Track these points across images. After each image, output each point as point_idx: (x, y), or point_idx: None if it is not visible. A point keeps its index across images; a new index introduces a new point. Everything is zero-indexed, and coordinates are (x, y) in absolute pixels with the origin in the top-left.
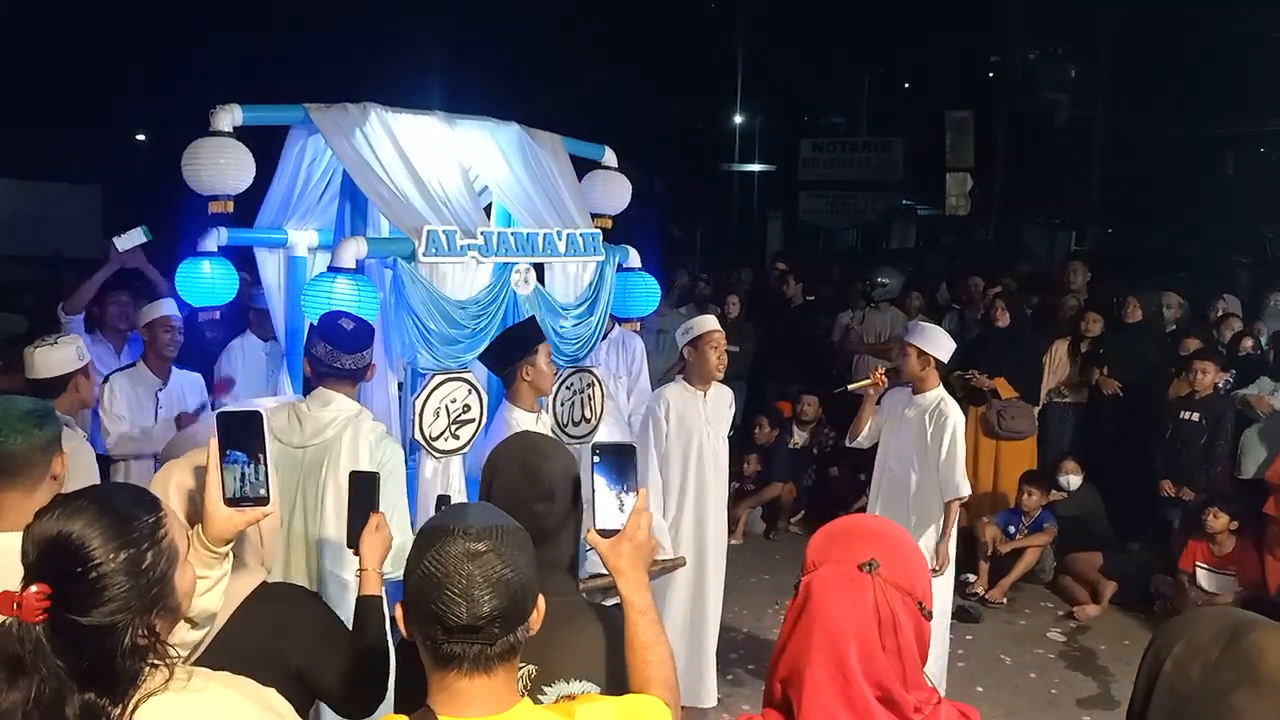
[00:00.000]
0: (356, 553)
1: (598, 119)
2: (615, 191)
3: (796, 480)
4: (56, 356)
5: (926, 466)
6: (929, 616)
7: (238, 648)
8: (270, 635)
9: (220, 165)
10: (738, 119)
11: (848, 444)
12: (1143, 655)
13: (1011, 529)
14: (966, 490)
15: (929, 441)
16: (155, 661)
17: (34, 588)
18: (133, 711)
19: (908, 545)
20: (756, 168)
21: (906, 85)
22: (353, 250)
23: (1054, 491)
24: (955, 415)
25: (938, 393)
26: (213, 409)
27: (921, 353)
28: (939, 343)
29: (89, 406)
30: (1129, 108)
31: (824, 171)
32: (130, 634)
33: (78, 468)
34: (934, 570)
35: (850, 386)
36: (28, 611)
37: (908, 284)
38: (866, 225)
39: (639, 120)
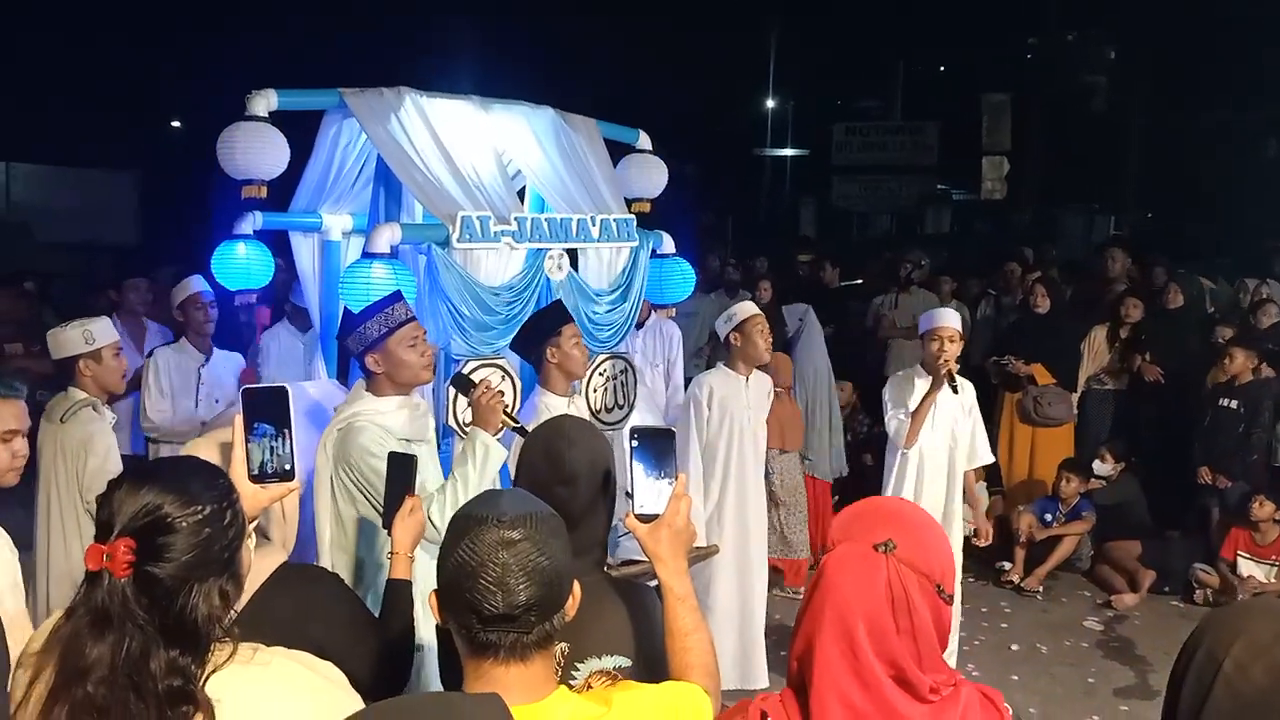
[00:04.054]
0: (390, 534)
1: (628, 103)
2: (651, 175)
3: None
4: (62, 339)
5: (965, 443)
6: (949, 600)
7: (259, 627)
8: (292, 616)
9: (255, 149)
10: (770, 103)
11: (905, 450)
12: (1183, 648)
13: (1048, 517)
14: (990, 457)
15: (966, 417)
16: (222, 636)
17: (121, 542)
18: (204, 683)
19: (929, 527)
20: (789, 152)
21: (941, 68)
22: (387, 236)
23: (1092, 479)
24: (970, 388)
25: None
26: None
27: (963, 334)
28: (958, 319)
29: (110, 390)
30: (1168, 90)
31: (857, 156)
32: (205, 595)
33: (95, 452)
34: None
35: (913, 410)
36: (116, 564)
37: (942, 269)
38: (900, 210)
39: (670, 104)
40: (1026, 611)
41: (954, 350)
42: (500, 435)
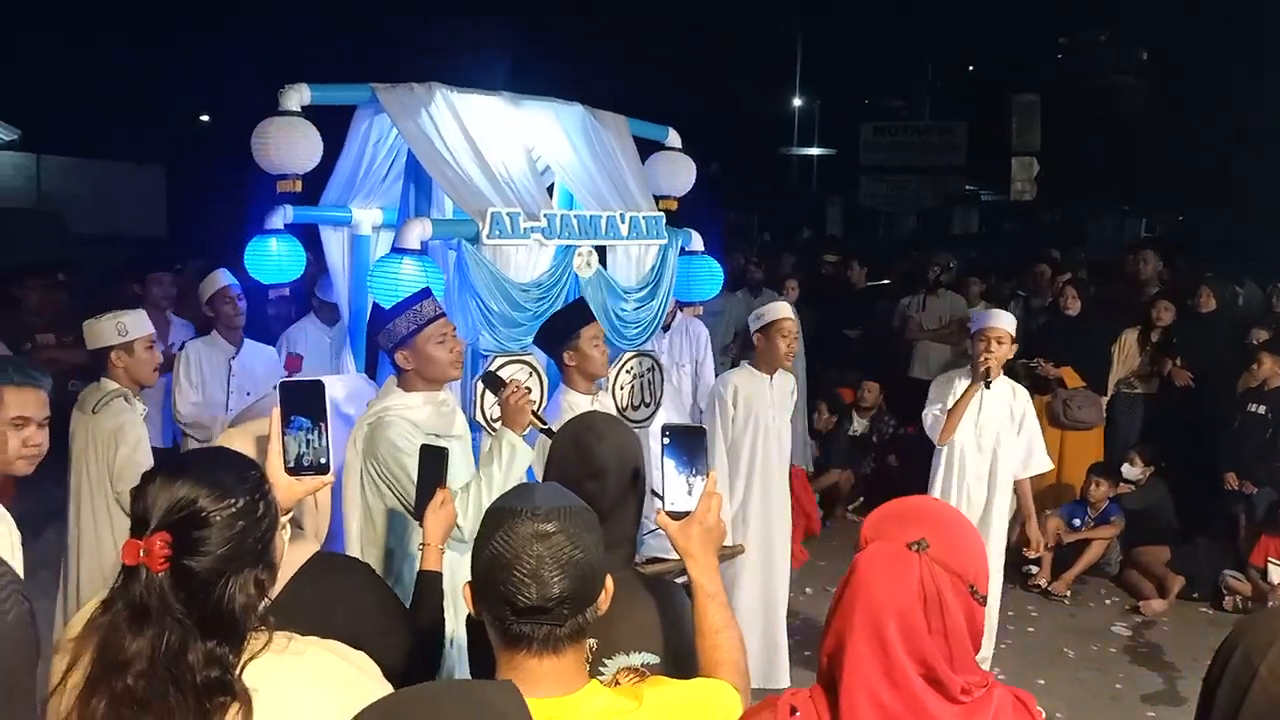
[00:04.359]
0: (422, 525)
1: (654, 100)
2: (679, 173)
3: (854, 468)
4: (96, 330)
5: (1011, 448)
6: (982, 601)
7: (291, 616)
8: (323, 605)
9: (289, 144)
10: (797, 102)
11: (938, 445)
12: (1217, 652)
13: (1076, 521)
14: (1048, 464)
15: (1011, 422)
16: (258, 624)
17: (157, 537)
18: (240, 672)
19: (962, 527)
20: (815, 151)
21: (970, 68)
22: (418, 231)
23: (1121, 484)
24: (1027, 393)
25: (1004, 377)
26: None
27: (1014, 338)
28: (1012, 323)
29: (142, 382)
30: (1200, 90)
31: (885, 155)
32: (241, 586)
33: (125, 442)
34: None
35: (950, 406)
36: (153, 559)
37: (970, 270)
38: (927, 210)
39: (696, 102)
40: (1053, 615)
41: (1002, 352)
42: (526, 435)
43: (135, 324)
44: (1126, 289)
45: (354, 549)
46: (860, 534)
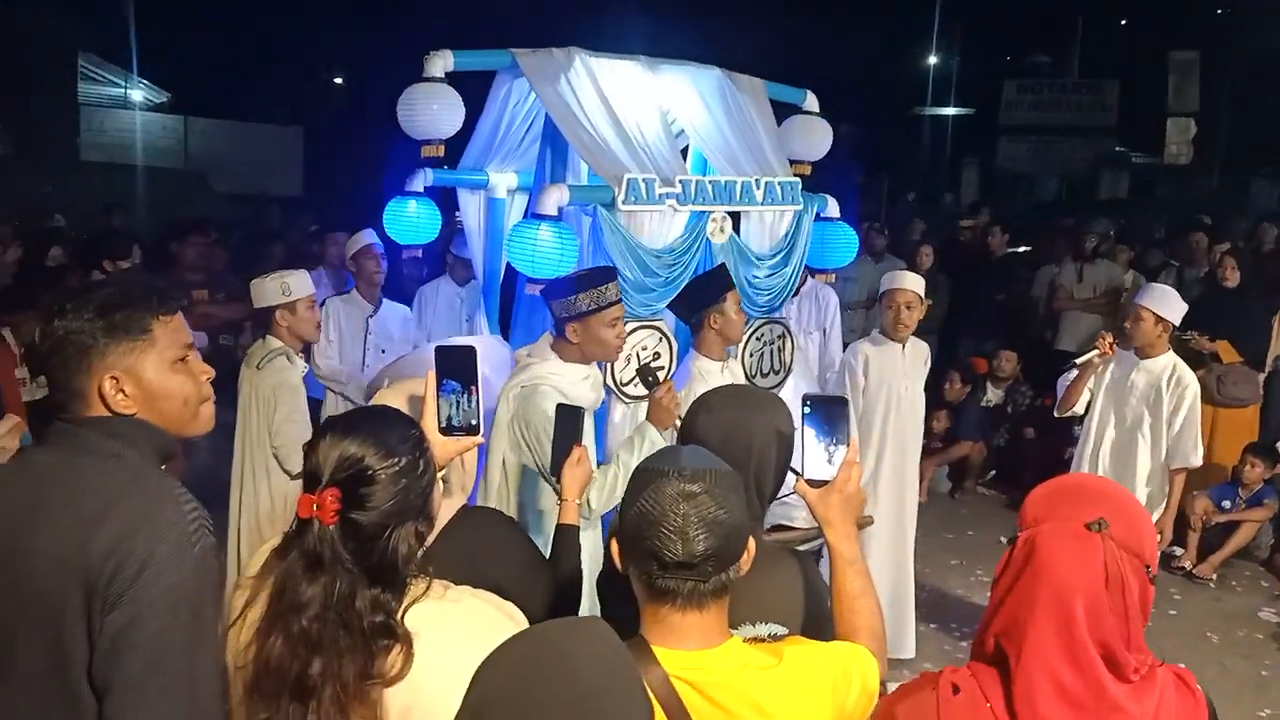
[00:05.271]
0: (558, 481)
1: (781, 60)
2: (814, 137)
3: (986, 439)
4: (261, 290)
5: (1158, 435)
6: (1154, 580)
7: (442, 566)
8: (470, 557)
9: (433, 110)
10: (933, 59)
11: (1057, 415)
12: None
13: (1226, 503)
14: (1198, 460)
15: (1164, 409)
16: (417, 573)
17: (328, 492)
18: (402, 617)
19: (1136, 507)
20: (952, 111)
21: (1123, 22)
22: (555, 198)
23: (1279, 465)
24: (1194, 383)
25: (1169, 358)
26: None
27: (1159, 318)
28: (1174, 306)
29: (305, 339)
30: None
31: (1028, 116)
32: (403, 538)
33: (283, 400)
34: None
35: (1078, 361)
36: (325, 512)
37: (1118, 237)
38: (1073, 174)
39: (825, 61)
40: (1197, 599)
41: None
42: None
43: (299, 284)
44: None
45: (491, 502)
46: (1023, 513)
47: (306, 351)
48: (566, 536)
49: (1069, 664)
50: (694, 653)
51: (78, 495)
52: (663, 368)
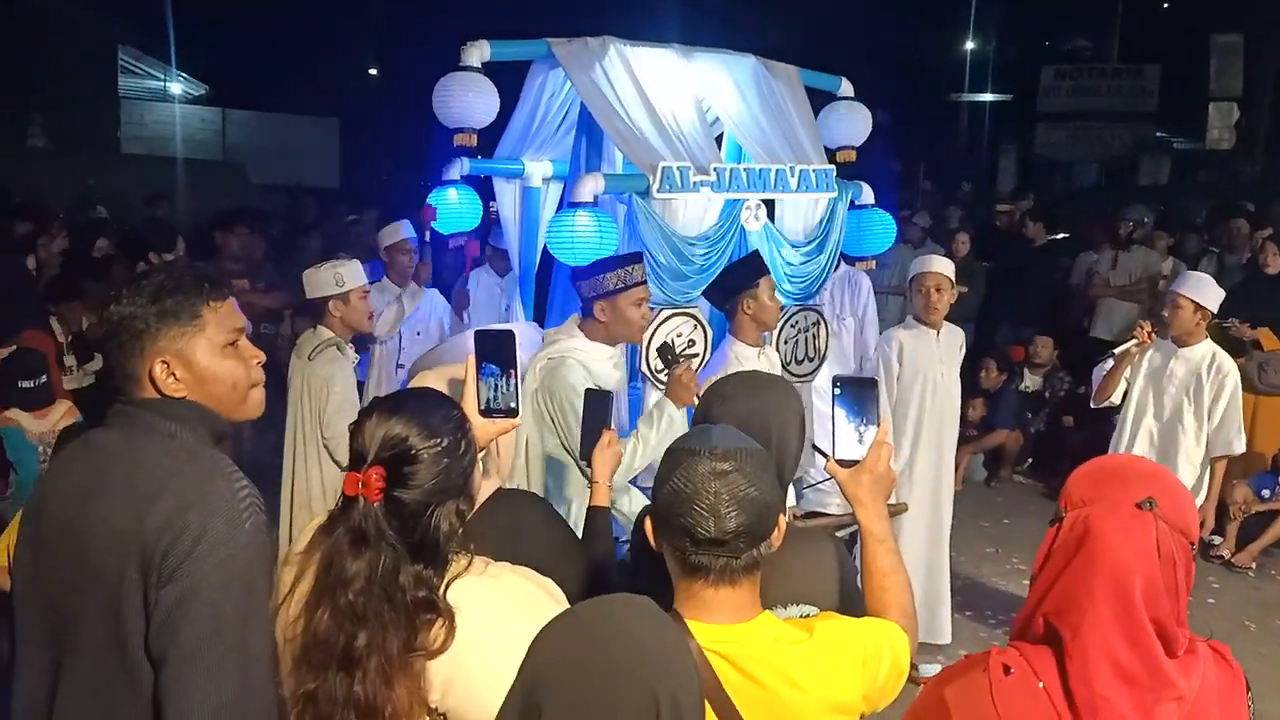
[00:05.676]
0: (589, 465)
1: (816, 47)
2: (854, 122)
3: (1022, 427)
4: (315, 280)
5: (1199, 422)
6: (1196, 555)
7: (479, 544)
8: (508, 536)
9: (468, 100)
10: (969, 44)
11: (1093, 406)
12: None
13: (1266, 492)
14: (1241, 446)
15: (1205, 398)
16: (458, 550)
17: (373, 470)
18: (444, 590)
19: (1178, 485)
20: (988, 97)
21: (1164, 5)
22: (591, 186)
23: None
24: (1234, 371)
25: (1208, 346)
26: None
27: (1198, 306)
28: (1212, 294)
29: (357, 330)
30: None
31: (1066, 101)
32: (445, 515)
33: (334, 390)
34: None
35: (1115, 350)
36: (370, 490)
37: (1158, 223)
38: (1112, 160)
39: (860, 47)
40: (1236, 588)
41: (1186, 319)
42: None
43: (351, 274)
44: None
45: (518, 482)
46: (1067, 494)
47: (357, 341)
48: (599, 518)
49: (1126, 642)
50: (726, 626)
51: (135, 472)
52: (697, 354)
